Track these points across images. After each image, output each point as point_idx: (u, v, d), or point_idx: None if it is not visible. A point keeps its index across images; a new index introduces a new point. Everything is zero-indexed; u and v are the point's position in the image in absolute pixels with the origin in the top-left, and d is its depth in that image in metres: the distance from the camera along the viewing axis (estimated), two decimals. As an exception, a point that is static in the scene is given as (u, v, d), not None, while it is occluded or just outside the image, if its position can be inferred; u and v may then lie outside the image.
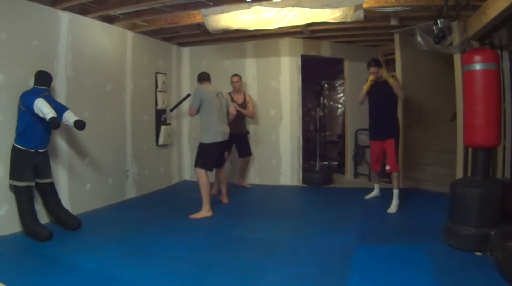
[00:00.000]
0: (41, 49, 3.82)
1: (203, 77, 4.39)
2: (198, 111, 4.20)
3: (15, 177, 3.40)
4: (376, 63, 4.41)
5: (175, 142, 6.14)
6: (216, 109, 4.19)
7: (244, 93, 5.46)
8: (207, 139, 4.16)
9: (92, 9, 4.29)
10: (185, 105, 5.56)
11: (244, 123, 5.50)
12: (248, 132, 5.56)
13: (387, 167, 4.37)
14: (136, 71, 5.19)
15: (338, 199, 5.05)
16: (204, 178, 4.12)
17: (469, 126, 3.23)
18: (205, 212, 4.08)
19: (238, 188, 5.57)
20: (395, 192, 4.25)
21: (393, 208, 4.20)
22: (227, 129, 4.32)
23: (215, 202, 4.49)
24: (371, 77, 4.41)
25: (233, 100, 5.11)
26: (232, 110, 4.47)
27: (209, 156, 4.19)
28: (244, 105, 5.32)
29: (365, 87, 4.44)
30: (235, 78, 5.33)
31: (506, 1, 2.91)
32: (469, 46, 4.00)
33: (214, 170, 4.56)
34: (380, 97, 4.37)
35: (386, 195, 4.52)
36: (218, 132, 4.20)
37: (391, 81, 4.28)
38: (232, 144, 5.25)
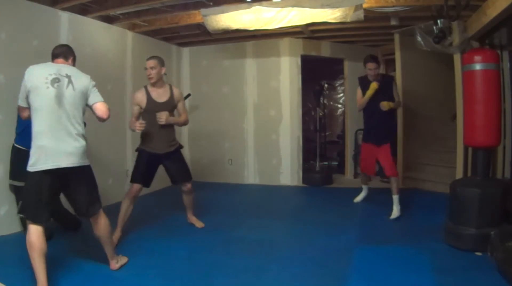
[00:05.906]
0: (41, 49, 3.80)
1: (54, 53, 2.58)
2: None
3: (15, 177, 3.40)
4: (374, 58, 4.01)
5: (175, 142, 6.13)
6: (48, 107, 2.34)
7: (171, 87, 3.52)
8: (29, 163, 2.32)
9: (92, 9, 4.29)
10: (186, 105, 5.55)
11: (173, 133, 3.57)
12: (181, 147, 3.67)
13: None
14: (136, 71, 5.19)
15: (338, 199, 5.05)
16: (28, 237, 2.29)
17: (469, 126, 3.23)
18: None
19: (237, 187, 5.54)
20: (395, 198, 3.97)
21: (395, 213, 3.93)
22: (68, 147, 2.38)
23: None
24: (374, 85, 3.92)
25: (152, 100, 3.37)
26: (100, 109, 2.64)
27: (29, 196, 2.35)
28: (170, 104, 3.45)
29: (370, 92, 3.95)
30: (150, 62, 3.37)
31: (506, 1, 2.92)
32: (469, 46, 4.00)
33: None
34: (378, 98, 3.91)
35: (386, 195, 4.45)
36: (48, 151, 2.31)
37: (392, 105, 3.96)
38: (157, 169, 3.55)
